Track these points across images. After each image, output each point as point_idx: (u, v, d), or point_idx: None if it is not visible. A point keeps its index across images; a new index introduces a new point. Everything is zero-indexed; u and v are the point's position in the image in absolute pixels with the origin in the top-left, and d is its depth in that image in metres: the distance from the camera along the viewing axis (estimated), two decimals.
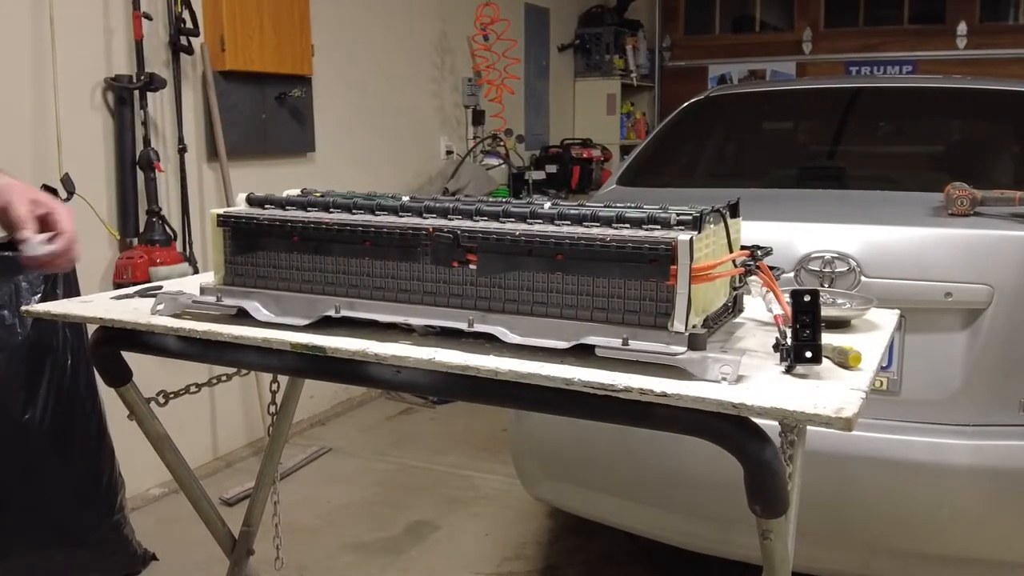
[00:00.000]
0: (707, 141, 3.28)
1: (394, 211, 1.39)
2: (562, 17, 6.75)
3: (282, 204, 1.50)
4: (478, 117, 5.47)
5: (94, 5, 3.10)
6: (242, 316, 1.43)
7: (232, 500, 3.31)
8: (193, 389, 1.84)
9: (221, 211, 1.47)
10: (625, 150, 7.08)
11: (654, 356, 1.17)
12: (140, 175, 3.24)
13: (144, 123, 3.23)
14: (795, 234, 2.21)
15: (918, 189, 2.50)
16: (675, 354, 1.16)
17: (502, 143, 5.25)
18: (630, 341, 1.19)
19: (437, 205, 1.38)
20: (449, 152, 5.32)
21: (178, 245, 3.38)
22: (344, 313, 1.38)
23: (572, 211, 1.30)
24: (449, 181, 4.70)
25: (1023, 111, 2.90)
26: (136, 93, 3.21)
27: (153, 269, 3.20)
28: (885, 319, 1.56)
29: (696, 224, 1.22)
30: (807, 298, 1.19)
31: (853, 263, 2.12)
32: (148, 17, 3.21)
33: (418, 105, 5.05)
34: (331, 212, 1.44)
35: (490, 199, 1.43)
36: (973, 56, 6.56)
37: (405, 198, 1.44)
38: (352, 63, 4.44)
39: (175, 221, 3.41)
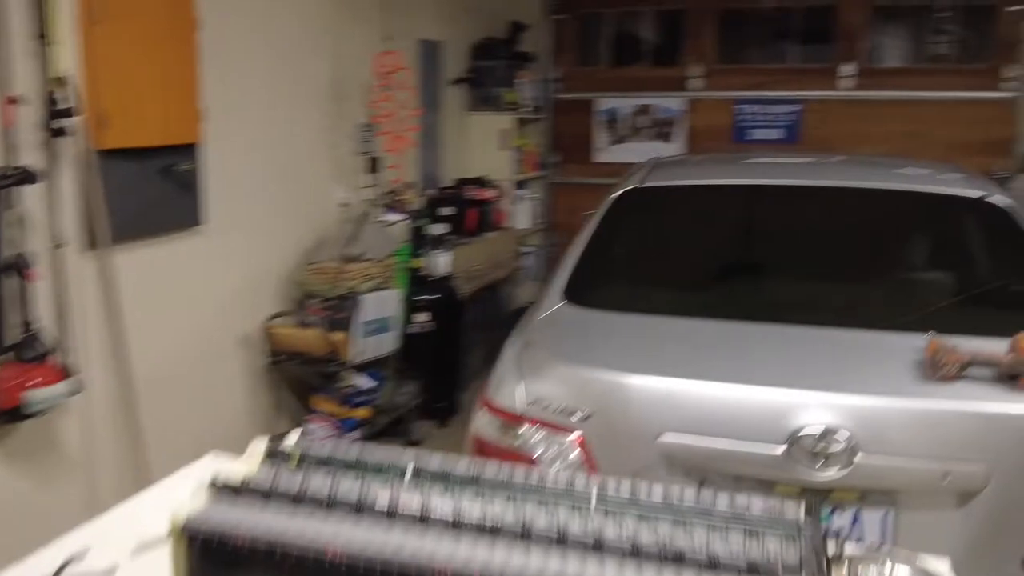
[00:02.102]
0: (645, 248, 3.12)
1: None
2: (455, 50, 6.47)
3: (266, 493, 1.21)
4: (372, 166, 5.15)
5: None
6: None
7: None
8: None
9: (186, 514, 1.16)
10: (520, 185, 6.91)
11: None
12: (11, 281, 2.79)
13: (16, 222, 2.79)
14: (784, 401, 2.07)
15: (892, 328, 2.40)
16: None
17: (403, 198, 4.95)
18: None
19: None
20: (344, 204, 4.98)
21: (56, 357, 2.95)
22: None
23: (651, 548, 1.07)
24: (349, 246, 4.38)
25: (983, 222, 2.87)
26: (6, 190, 2.76)
27: (27, 394, 2.78)
28: None
29: None
30: None
31: (849, 439, 1.99)
32: (19, 101, 2.76)
33: (312, 156, 4.70)
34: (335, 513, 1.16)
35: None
36: (859, 97, 6.71)
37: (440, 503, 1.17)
38: (243, 121, 4.05)
39: (53, 326, 2.97)
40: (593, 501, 1.18)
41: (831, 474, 1.98)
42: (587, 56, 7.49)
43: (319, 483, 1.24)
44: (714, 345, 2.33)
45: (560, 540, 1.11)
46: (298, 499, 1.20)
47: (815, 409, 2.02)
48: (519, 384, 2.30)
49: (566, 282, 2.78)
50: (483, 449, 2.31)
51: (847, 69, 6.72)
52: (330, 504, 1.20)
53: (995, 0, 6.34)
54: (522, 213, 6.96)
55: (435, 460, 1.33)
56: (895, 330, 2.38)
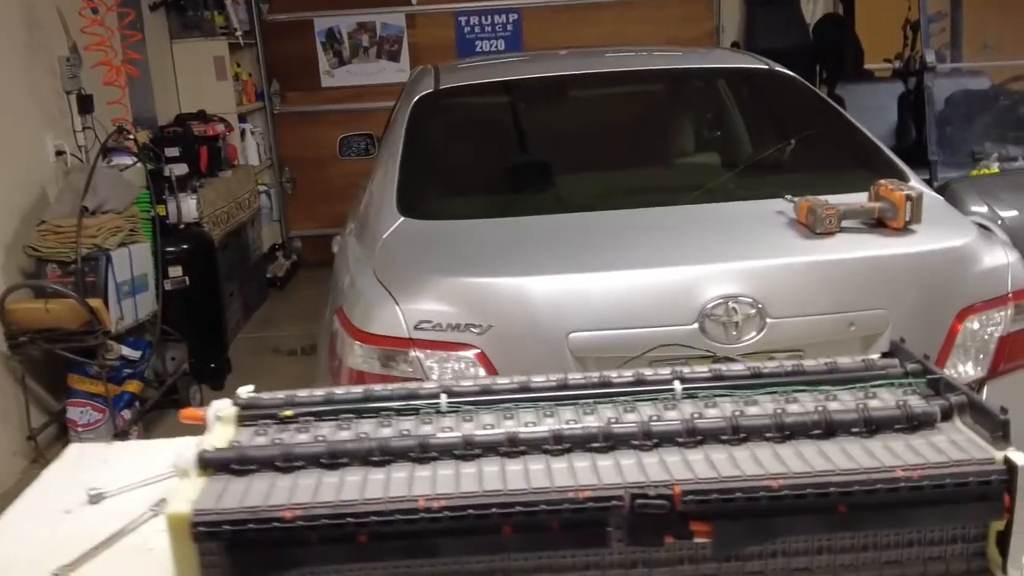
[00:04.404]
0: (463, 152, 2.90)
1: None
2: None
3: (284, 459, 0.90)
4: (85, 104, 4.42)
5: None
6: None
7: None
8: None
9: (190, 505, 0.83)
10: (242, 118, 6.32)
11: None
12: None
13: None
14: (690, 277, 1.99)
15: (745, 197, 2.41)
16: None
17: (131, 137, 4.28)
18: None
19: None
20: (60, 153, 4.24)
21: None
22: None
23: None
24: (85, 198, 3.72)
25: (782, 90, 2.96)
26: None
27: None
28: None
29: None
30: None
31: (759, 303, 1.96)
32: None
33: (10, 97, 3.92)
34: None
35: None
36: (570, 2, 6.81)
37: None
38: None
39: None
40: (679, 389, 1.02)
41: (746, 341, 1.95)
42: None
43: (346, 434, 0.96)
44: (586, 237, 2.21)
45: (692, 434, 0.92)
46: (334, 456, 0.91)
47: (721, 280, 1.96)
48: (394, 307, 2.03)
49: (395, 197, 2.50)
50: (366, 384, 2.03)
51: None
52: (382, 452, 0.92)
53: None
54: (250, 149, 6.40)
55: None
56: (749, 199, 2.39)
